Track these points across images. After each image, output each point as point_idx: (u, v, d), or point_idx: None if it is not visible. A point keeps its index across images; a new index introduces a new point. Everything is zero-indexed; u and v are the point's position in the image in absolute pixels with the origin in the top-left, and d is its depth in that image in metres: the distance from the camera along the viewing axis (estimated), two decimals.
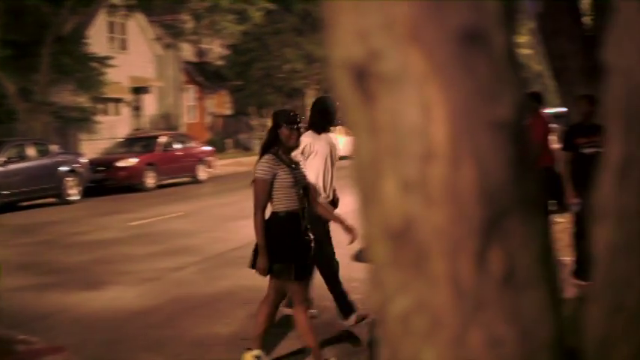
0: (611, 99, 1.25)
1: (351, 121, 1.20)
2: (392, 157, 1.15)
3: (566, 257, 8.60)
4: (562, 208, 9.27)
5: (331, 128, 7.61)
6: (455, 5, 1.10)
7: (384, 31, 1.12)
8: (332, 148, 7.46)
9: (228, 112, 43.48)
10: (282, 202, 5.73)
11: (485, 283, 1.14)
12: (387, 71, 1.13)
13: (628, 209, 1.22)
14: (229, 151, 38.83)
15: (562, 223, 9.83)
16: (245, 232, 13.76)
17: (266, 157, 5.76)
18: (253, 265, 5.93)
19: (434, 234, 1.14)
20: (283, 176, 5.69)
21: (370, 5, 1.13)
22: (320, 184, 7.20)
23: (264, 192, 5.69)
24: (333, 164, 7.48)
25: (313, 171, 7.13)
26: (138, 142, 26.54)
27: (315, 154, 7.31)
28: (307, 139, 7.16)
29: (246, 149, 40.00)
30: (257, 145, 41.56)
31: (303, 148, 7.01)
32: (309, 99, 39.33)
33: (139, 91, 37.10)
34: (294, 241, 5.73)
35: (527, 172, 1.17)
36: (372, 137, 1.17)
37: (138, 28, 36.61)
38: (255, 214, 5.73)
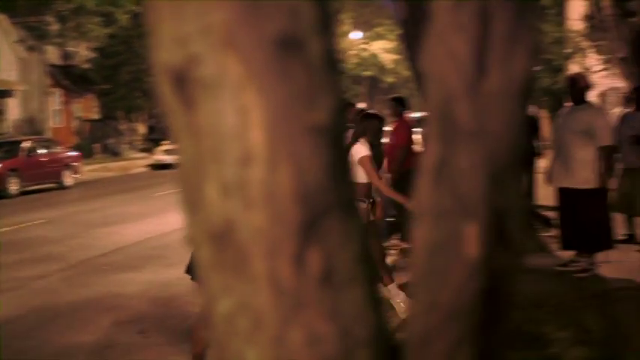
0: (428, 104, 1.31)
1: (173, 125, 1.21)
2: (212, 161, 1.17)
3: None
4: None
5: None
6: (270, 12, 1.13)
7: (202, 36, 1.14)
8: None
9: (95, 116, 42.60)
10: None
11: (304, 283, 1.17)
12: (205, 76, 1.14)
13: (443, 209, 1.27)
14: (97, 157, 38.00)
15: None
16: (111, 239, 13.59)
17: None
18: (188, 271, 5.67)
19: (254, 236, 1.16)
20: None
21: (188, 11, 1.14)
22: None
23: None
24: None
25: None
26: (0, 148, 25.71)
27: None
28: None
29: (114, 154, 39.32)
30: (126, 150, 41.10)
31: None
32: None
33: (1, 94, 35.95)
34: None
35: (343, 175, 1.21)
36: (193, 142, 1.18)
37: (0, 29, 35.52)
38: None
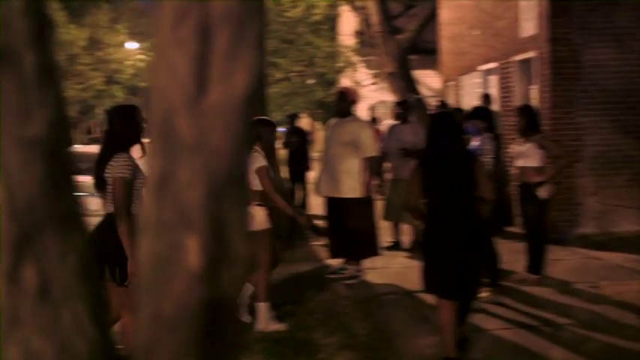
0: (151, 118, 1.32)
1: None
2: None
3: None
4: None
5: None
6: None
7: None
8: None
9: None
10: (137, 204, 5.10)
11: (19, 300, 1.16)
12: None
13: (165, 221, 1.29)
14: None
15: None
16: None
17: (124, 155, 5.11)
18: (120, 280, 5.04)
19: None
20: (140, 177, 5.06)
21: None
22: None
23: (128, 194, 5.05)
24: None
25: None
26: None
27: None
28: None
29: None
30: None
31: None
32: None
33: None
34: None
35: (62, 189, 1.20)
36: None
37: None
38: (122, 220, 5.00)
